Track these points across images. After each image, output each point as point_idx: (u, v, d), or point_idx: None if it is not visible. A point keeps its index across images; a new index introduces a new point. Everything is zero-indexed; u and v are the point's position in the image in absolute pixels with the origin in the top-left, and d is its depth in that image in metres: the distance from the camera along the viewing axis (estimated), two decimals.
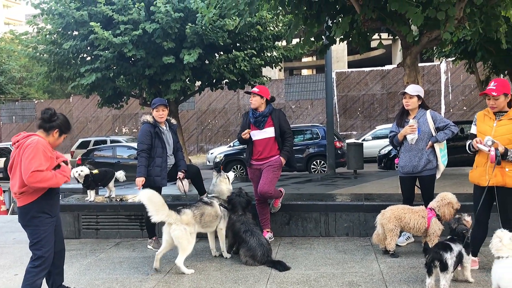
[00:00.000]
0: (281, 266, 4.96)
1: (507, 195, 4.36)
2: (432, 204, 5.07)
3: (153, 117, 5.88)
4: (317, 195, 7.31)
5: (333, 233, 6.23)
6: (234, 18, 10.86)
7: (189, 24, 11.64)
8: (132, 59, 12.88)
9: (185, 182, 6.02)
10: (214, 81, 14.46)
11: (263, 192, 5.68)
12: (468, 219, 4.33)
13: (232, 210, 5.42)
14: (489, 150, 4.22)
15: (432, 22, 6.80)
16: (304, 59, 40.74)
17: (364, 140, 19.30)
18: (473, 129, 4.64)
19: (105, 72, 12.59)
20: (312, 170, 15.70)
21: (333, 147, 14.19)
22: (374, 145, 18.28)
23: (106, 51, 12.14)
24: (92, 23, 11.40)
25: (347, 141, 17.19)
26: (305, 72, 45.44)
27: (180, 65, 12.27)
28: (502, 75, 13.70)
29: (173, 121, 6.19)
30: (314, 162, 15.83)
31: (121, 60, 12.52)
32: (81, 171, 6.78)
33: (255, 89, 5.82)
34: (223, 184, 5.61)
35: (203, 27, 11.54)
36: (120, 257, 5.77)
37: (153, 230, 6.08)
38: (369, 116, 26.95)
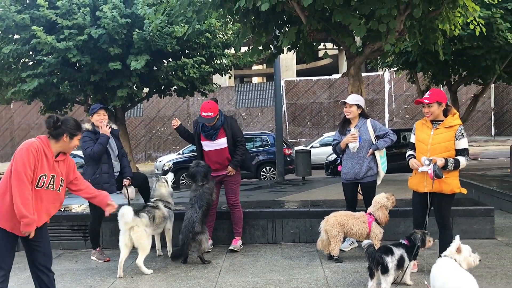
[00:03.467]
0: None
1: (443, 201, 4.58)
2: (370, 209, 5.25)
3: (92, 124, 5.75)
4: (264, 202, 7.37)
5: (280, 240, 6.30)
6: (182, 25, 10.81)
7: (137, 30, 11.47)
8: (77, 64, 12.53)
9: (131, 189, 5.91)
10: (162, 87, 14.29)
11: (232, 202, 5.97)
12: (431, 240, 4.42)
13: (193, 180, 5.65)
14: (429, 169, 4.39)
15: (374, 34, 7.07)
16: (255, 67, 41.05)
17: (312, 147, 19.65)
18: (412, 138, 4.84)
19: (48, 78, 12.17)
20: (262, 177, 15.81)
21: (282, 154, 14.35)
22: (321, 152, 18.64)
23: (49, 56, 11.76)
24: (34, 27, 11.01)
25: (296, 148, 17.44)
26: (255, 80, 45.75)
27: (127, 71, 12.05)
28: (441, 85, 14.38)
29: (114, 126, 6.06)
30: (264, 169, 15.96)
31: (65, 66, 12.14)
32: None
33: (210, 114, 5.56)
34: (163, 188, 5.79)
35: (151, 34, 11.41)
36: (61, 269, 5.56)
37: (97, 241, 5.91)
38: (317, 123, 27.51)
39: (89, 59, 11.66)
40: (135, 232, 5.11)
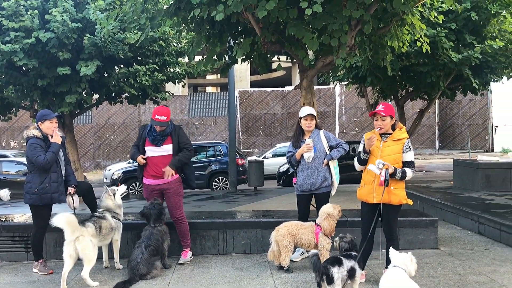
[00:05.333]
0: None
1: (391, 211, 4.71)
2: (318, 219, 5.30)
3: (40, 130, 5.51)
4: (216, 213, 7.32)
5: (231, 251, 6.26)
6: (135, 31, 10.62)
7: (88, 35, 11.15)
8: (23, 68, 12.02)
9: (76, 197, 5.67)
10: (113, 94, 13.94)
11: (177, 216, 5.80)
12: (348, 236, 4.51)
13: (147, 221, 5.54)
14: (380, 173, 4.51)
15: (326, 48, 7.22)
16: (209, 77, 40.91)
17: (265, 157, 19.76)
18: (361, 147, 4.94)
19: None
20: (214, 187, 15.73)
21: (235, 164, 14.35)
22: (274, 163, 18.77)
23: None
24: None
25: (249, 158, 17.48)
26: (209, 89, 45.61)
27: (76, 76, 11.67)
28: (389, 100, 14.86)
29: (60, 132, 5.85)
30: (216, 179, 15.88)
31: (10, 69, 11.61)
32: None
33: (163, 118, 5.55)
34: (109, 200, 5.66)
35: (102, 39, 11.12)
36: (0, 283, 5.28)
37: (40, 252, 5.65)
38: (270, 134, 27.73)
39: (37, 63, 11.21)
40: (80, 242, 4.95)
